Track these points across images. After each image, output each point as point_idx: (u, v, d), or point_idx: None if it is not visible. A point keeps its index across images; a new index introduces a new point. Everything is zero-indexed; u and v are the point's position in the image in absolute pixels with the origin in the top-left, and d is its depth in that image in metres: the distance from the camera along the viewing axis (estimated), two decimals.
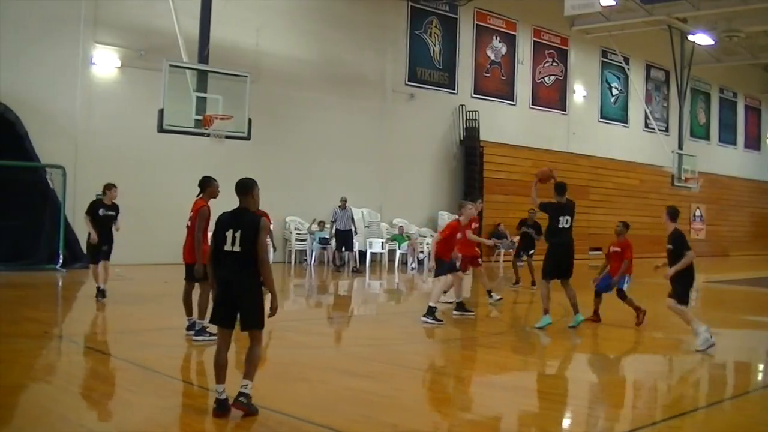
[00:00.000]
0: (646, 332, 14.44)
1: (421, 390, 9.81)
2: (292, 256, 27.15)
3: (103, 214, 16.18)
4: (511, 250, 22.71)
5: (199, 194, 12.37)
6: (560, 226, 14.24)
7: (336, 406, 8.73)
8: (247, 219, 8.04)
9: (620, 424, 8.64)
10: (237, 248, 7.89)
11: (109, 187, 16.44)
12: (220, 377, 7.95)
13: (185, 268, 12.37)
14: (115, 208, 16.39)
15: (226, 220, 8.10)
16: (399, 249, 28.58)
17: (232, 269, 7.94)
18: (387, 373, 10.52)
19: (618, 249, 15.14)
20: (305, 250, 27.29)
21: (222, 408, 7.81)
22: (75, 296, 18.57)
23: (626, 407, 9.45)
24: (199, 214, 11.91)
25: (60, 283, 19.99)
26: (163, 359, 11.19)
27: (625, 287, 14.90)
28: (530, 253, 22.09)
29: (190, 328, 12.21)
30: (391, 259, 28.72)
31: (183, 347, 12.06)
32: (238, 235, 7.89)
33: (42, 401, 8.53)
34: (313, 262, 27.00)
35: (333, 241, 26.17)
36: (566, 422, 8.72)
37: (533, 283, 20.84)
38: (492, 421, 8.52)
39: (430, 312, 14.67)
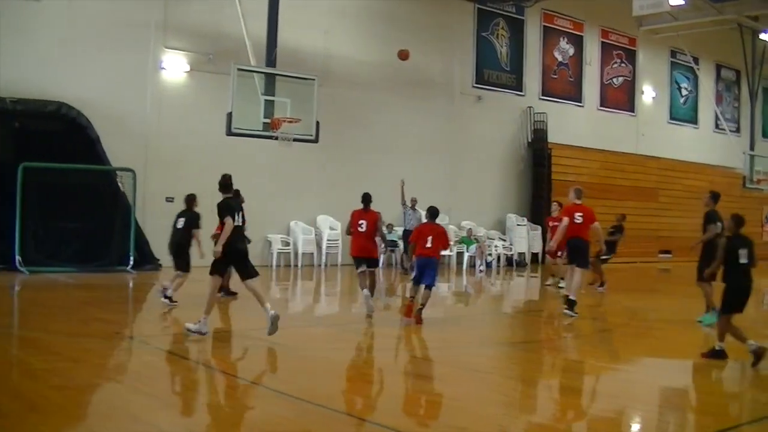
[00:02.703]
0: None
1: (488, 393, 9.72)
2: None
3: None
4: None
5: (363, 208, 15.27)
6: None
7: (403, 409, 8.72)
8: None
9: (690, 429, 8.51)
10: None
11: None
12: None
13: (365, 261, 15.11)
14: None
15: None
16: (467, 252, 28.48)
17: None
18: (454, 375, 10.46)
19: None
20: None
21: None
22: (145, 297, 18.78)
23: (696, 412, 9.28)
24: (380, 220, 15.52)
25: (131, 285, 20.24)
26: (231, 360, 11.31)
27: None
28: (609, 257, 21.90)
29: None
30: (459, 262, 28.64)
31: (251, 348, 12.13)
32: None
33: (113, 400, 8.63)
34: (380, 264, 26.98)
35: (401, 243, 26.17)
36: (635, 427, 8.57)
37: (602, 284, 20.81)
38: (560, 425, 8.41)
39: (570, 304, 15.41)
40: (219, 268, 12.43)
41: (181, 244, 15.61)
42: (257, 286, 12.41)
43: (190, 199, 15.89)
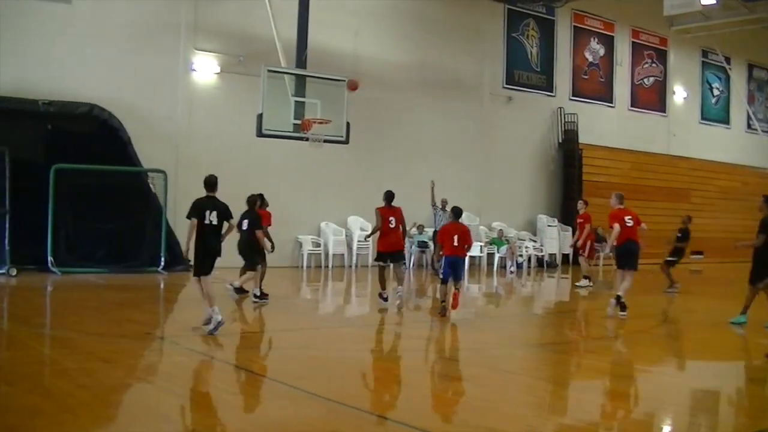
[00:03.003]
0: (754, 338, 14.07)
1: (518, 394, 9.68)
2: None
3: None
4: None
5: (387, 205, 16.34)
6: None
7: (432, 410, 8.69)
8: None
9: (725, 430, 8.43)
10: None
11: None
12: None
13: (395, 255, 16.49)
14: None
15: None
16: (498, 252, 28.38)
17: None
18: (484, 376, 10.43)
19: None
20: None
21: None
22: (176, 298, 18.87)
23: (729, 415, 9.19)
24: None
25: (162, 285, 20.33)
26: (260, 361, 11.32)
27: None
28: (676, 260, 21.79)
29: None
30: (490, 263, 28.54)
31: (280, 348, 12.14)
32: None
33: (144, 400, 8.66)
34: (411, 265, 26.94)
35: (431, 244, 26.08)
36: (666, 429, 8.52)
37: (672, 285, 20.83)
38: (590, 426, 8.34)
39: (617, 299, 15.56)
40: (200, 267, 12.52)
41: (249, 244, 16.22)
42: (211, 288, 12.48)
43: (253, 200, 16.39)
